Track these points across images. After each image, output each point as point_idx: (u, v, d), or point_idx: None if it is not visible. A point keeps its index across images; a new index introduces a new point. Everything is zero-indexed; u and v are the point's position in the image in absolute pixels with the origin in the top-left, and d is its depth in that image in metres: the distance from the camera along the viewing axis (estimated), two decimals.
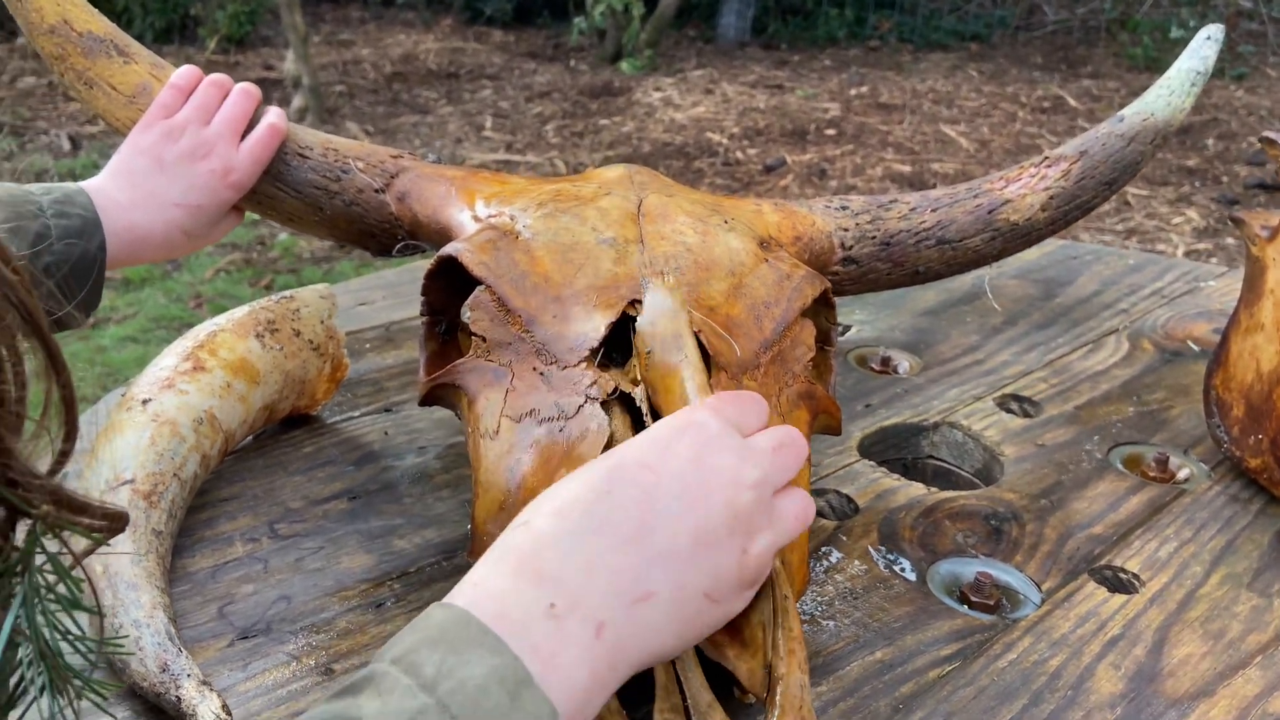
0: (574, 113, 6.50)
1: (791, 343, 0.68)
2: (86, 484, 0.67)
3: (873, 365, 1.07)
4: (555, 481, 0.54)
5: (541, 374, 0.62)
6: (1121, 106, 1.02)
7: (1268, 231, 0.86)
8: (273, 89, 6.62)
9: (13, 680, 0.37)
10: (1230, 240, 4.10)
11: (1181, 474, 0.89)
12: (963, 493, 0.85)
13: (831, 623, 0.69)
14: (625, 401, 0.60)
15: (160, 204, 0.79)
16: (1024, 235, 0.93)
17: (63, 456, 0.38)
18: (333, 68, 7.22)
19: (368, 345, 1.06)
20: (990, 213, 0.91)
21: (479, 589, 0.43)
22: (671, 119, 6.44)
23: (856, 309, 1.20)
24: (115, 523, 0.41)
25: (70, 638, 0.37)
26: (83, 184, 0.79)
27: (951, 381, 1.04)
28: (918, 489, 0.85)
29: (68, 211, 0.75)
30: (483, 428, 0.61)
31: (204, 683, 0.54)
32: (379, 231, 0.83)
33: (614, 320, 0.63)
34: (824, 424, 0.73)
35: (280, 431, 0.88)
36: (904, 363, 1.08)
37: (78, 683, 0.38)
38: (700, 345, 0.62)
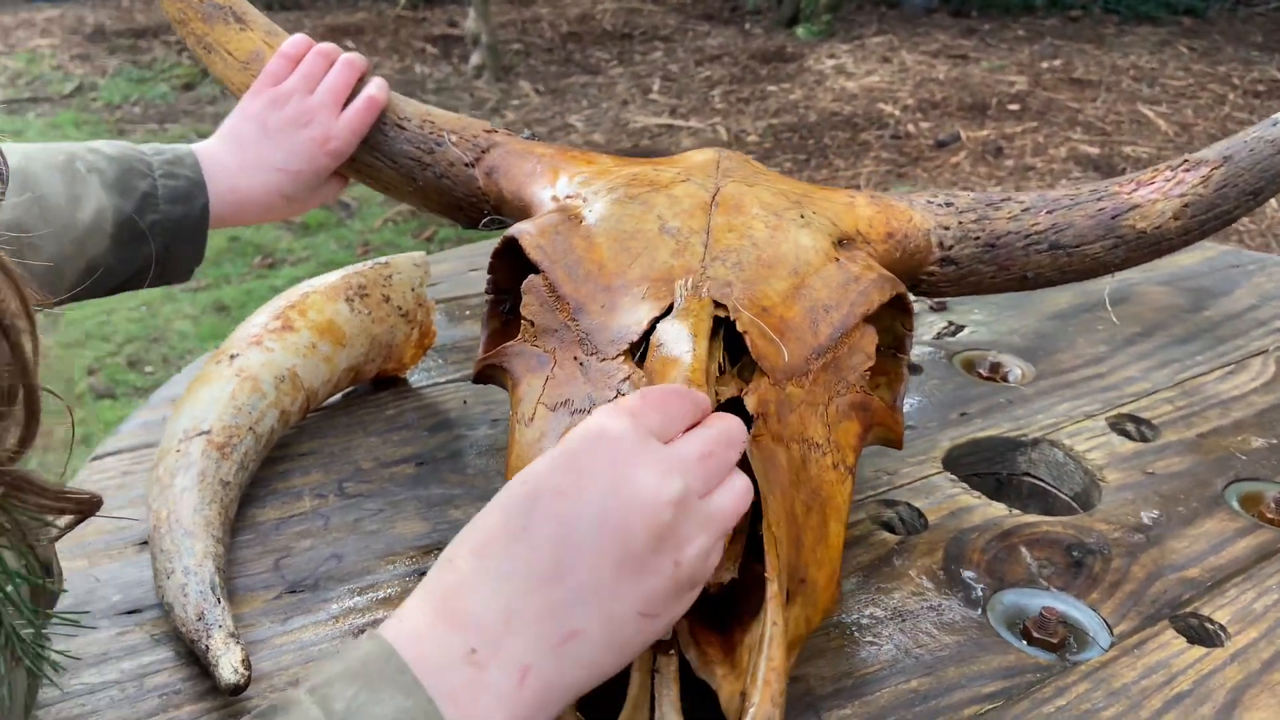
0: (742, 78, 6.42)
1: (849, 350, 0.65)
2: (168, 431, 0.71)
3: (980, 371, 1.02)
4: None
5: (581, 364, 0.61)
6: None
7: None
8: (454, 45, 6.82)
9: None
10: None
11: None
12: (1048, 518, 0.80)
13: (872, 644, 0.66)
14: None
15: (263, 168, 0.82)
16: (1152, 244, 0.86)
17: (22, 444, 0.40)
18: (512, 26, 7.37)
19: (468, 312, 1.08)
20: (1114, 218, 0.84)
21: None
22: (842, 88, 6.27)
23: (976, 308, 1.14)
24: (83, 507, 0.42)
25: (24, 614, 0.39)
26: (194, 146, 0.83)
27: (1064, 395, 0.98)
28: (998, 509, 0.80)
29: (176, 173, 0.79)
30: (520, 413, 0.62)
31: (232, 635, 0.57)
32: (466, 205, 0.84)
33: (658, 315, 0.61)
34: (881, 436, 0.70)
35: (368, 392, 0.91)
36: (1016, 370, 1.02)
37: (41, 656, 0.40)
38: (744, 347, 0.60)
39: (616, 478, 0.43)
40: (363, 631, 0.64)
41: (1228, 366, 1.04)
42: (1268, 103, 5.69)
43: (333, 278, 0.85)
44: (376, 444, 0.83)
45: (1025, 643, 0.68)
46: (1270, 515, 0.82)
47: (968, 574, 0.73)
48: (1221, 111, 5.68)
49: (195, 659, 0.59)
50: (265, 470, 0.78)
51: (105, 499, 0.71)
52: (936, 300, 1.14)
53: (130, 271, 0.79)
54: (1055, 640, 0.68)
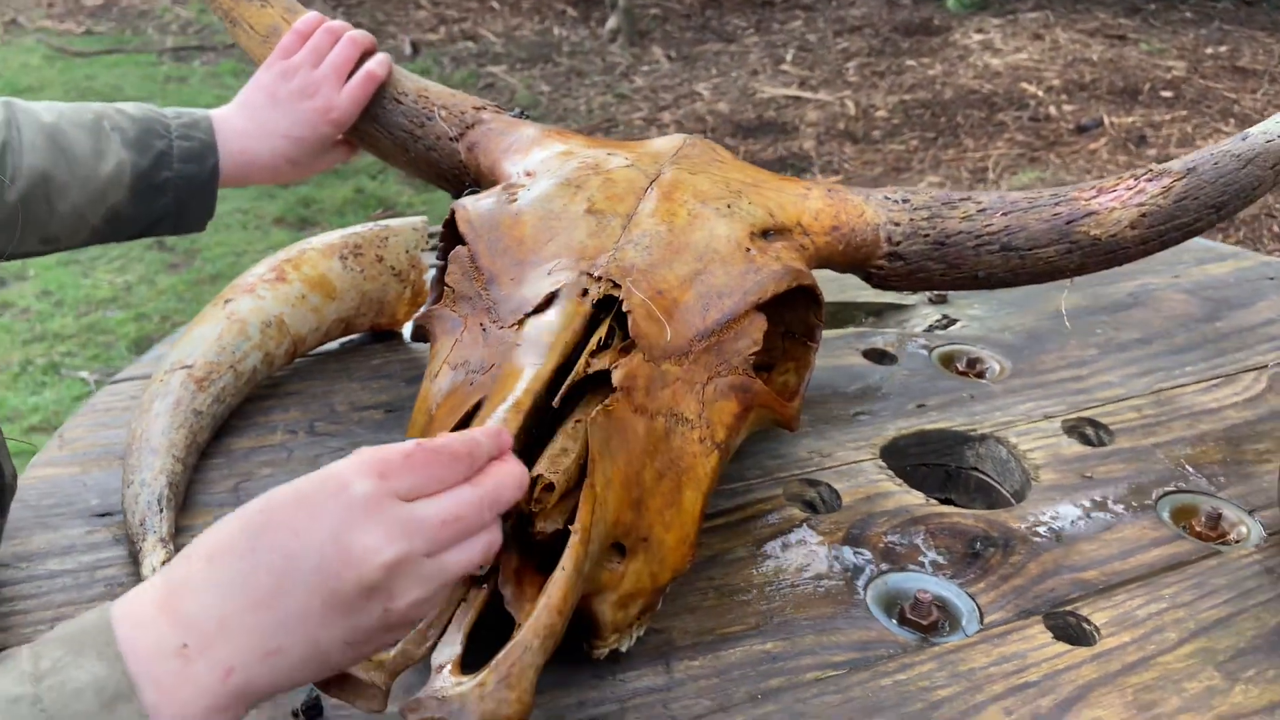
0: (881, 50, 6.28)
1: (735, 335, 0.70)
2: (161, 364, 0.82)
3: (957, 366, 1.04)
4: (453, 423, 0.61)
5: (484, 330, 0.68)
6: None
7: None
8: (593, 8, 6.90)
9: None
10: None
11: (1234, 534, 0.82)
12: (960, 510, 0.83)
13: (744, 605, 0.71)
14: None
15: (270, 134, 0.92)
16: (1108, 252, 0.87)
17: None
18: None
19: None
20: (1069, 224, 0.86)
21: (129, 606, 0.46)
22: (986, 65, 6.07)
23: (977, 303, 1.16)
24: None
25: None
26: (210, 112, 0.93)
27: (1032, 394, 0.99)
28: (914, 498, 0.84)
29: (191, 135, 0.90)
30: (431, 369, 0.69)
31: (163, 540, 0.67)
32: (450, 176, 0.91)
33: (555, 290, 0.68)
34: (767, 418, 0.74)
35: (364, 342, 1.00)
36: (994, 367, 1.04)
37: None
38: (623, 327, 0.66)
39: (339, 531, 0.46)
40: None
41: (1216, 379, 1.03)
42: None
43: (332, 237, 0.95)
44: (355, 389, 0.93)
45: (896, 623, 0.72)
46: (1199, 529, 0.82)
47: (862, 554, 0.77)
48: None
49: (135, 558, 0.70)
50: (249, 405, 0.88)
51: (114, 418, 0.82)
52: (935, 293, 1.16)
53: (148, 220, 0.91)
54: (925, 623, 0.71)
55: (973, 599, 0.74)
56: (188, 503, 0.76)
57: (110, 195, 0.87)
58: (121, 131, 0.88)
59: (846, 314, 1.14)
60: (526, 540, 0.58)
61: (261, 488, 0.78)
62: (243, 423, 0.87)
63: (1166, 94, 5.68)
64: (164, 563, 0.66)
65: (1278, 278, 1.24)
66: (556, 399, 0.61)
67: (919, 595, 0.72)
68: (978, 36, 6.64)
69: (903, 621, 0.72)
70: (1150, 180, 0.86)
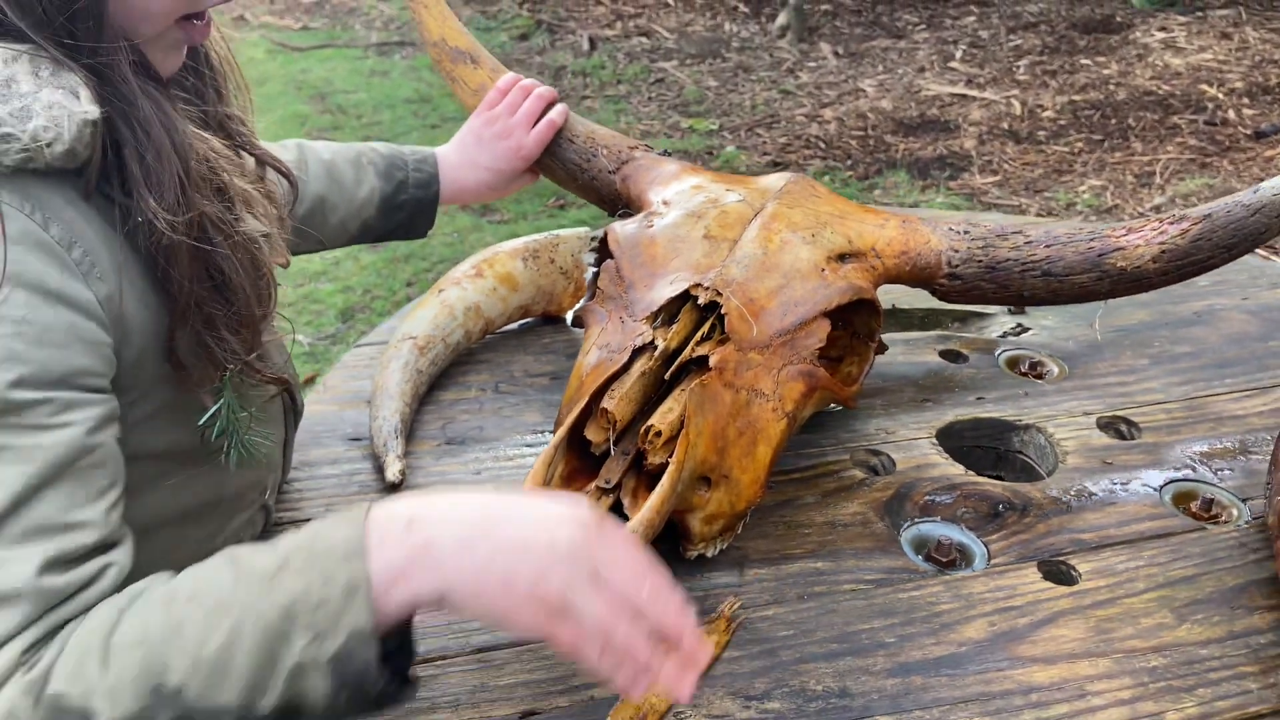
0: (1056, 48, 6.21)
1: (806, 334, 0.94)
2: (394, 334, 1.13)
3: (1020, 368, 1.24)
4: (588, 386, 0.88)
5: (622, 321, 0.94)
6: None
7: None
8: (764, 3, 7.06)
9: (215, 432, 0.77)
10: None
11: (1224, 517, 1.00)
12: (993, 481, 1.04)
13: (805, 535, 0.96)
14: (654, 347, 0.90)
15: (475, 167, 1.21)
16: (1133, 280, 1.06)
17: (261, 319, 0.77)
18: None
19: None
20: (1100, 256, 1.05)
21: (387, 502, 0.62)
22: (1165, 65, 5.92)
23: (1051, 314, 1.35)
24: (280, 385, 0.81)
25: (238, 417, 0.78)
26: (436, 150, 1.23)
27: (1078, 395, 1.18)
28: (956, 469, 1.06)
29: (421, 168, 1.20)
30: (584, 348, 0.96)
31: (399, 457, 0.97)
32: (608, 200, 1.18)
33: (675, 294, 0.93)
34: (829, 398, 0.98)
35: (537, 323, 1.29)
36: (1053, 370, 1.24)
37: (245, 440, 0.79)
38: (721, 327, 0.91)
39: (543, 573, 0.60)
40: (480, 473, 1.02)
41: (1251, 390, 1.19)
42: None
43: (517, 243, 1.23)
44: (529, 360, 1.21)
45: (922, 559, 0.95)
46: (1194, 510, 1.01)
47: (904, 508, 1.00)
48: None
49: (380, 469, 1.00)
50: (452, 367, 1.18)
51: (358, 373, 1.13)
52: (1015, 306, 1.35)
53: (387, 230, 1.21)
54: (945, 560, 0.94)
55: (985, 546, 0.96)
56: (410, 434, 1.07)
57: (364, 212, 1.18)
58: (375, 165, 1.19)
59: (935, 319, 1.35)
60: (641, 469, 0.85)
61: (460, 427, 1.08)
62: (448, 381, 1.17)
63: None
64: (401, 470, 0.96)
65: None
66: (668, 373, 0.87)
67: (942, 539, 0.95)
68: (1160, 35, 6.46)
69: (928, 559, 0.95)
70: (1172, 224, 1.05)
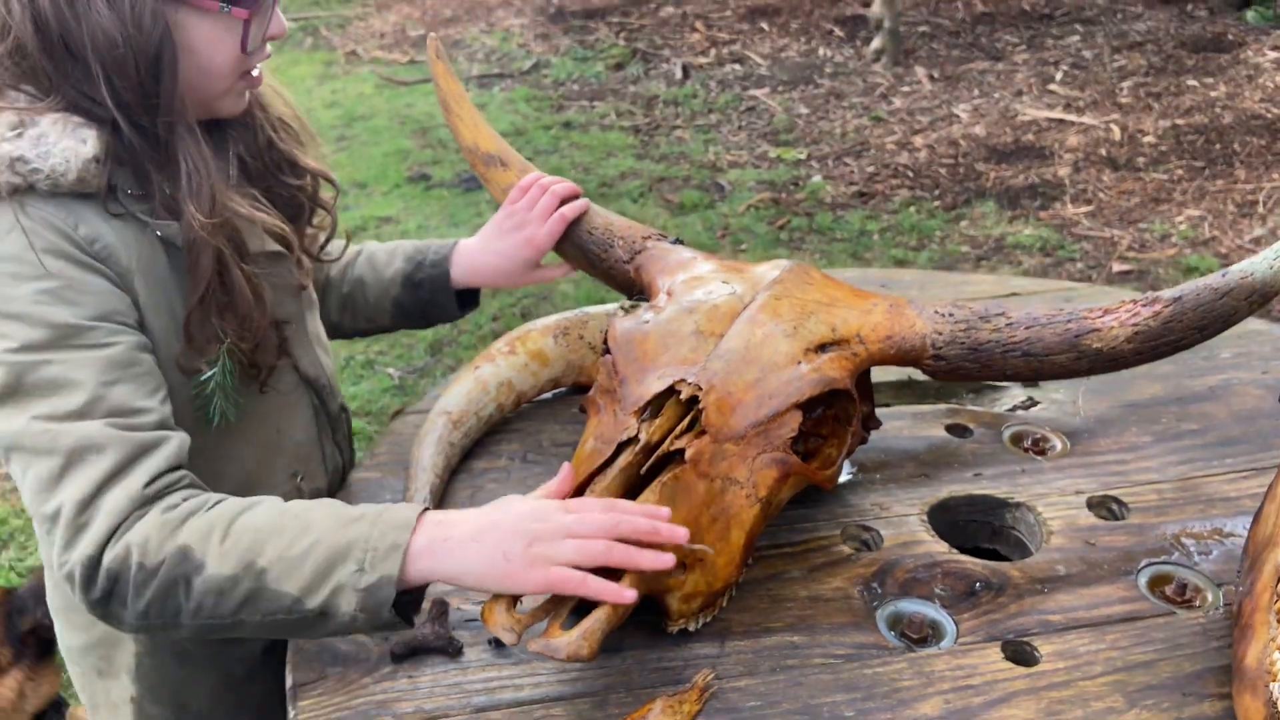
0: (1163, 69, 6.05)
1: (779, 424, 1.02)
2: (434, 407, 1.25)
3: (1024, 445, 1.30)
4: (586, 475, 0.98)
5: (615, 415, 1.04)
6: None
7: None
8: (860, 27, 7.05)
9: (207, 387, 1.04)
10: None
11: (1198, 600, 1.05)
12: (972, 559, 1.11)
13: (788, 609, 1.04)
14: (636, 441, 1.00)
15: (490, 252, 1.34)
16: (1110, 360, 1.12)
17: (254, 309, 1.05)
18: (924, 5, 7.42)
19: None
20: (1077, 337, 1.11)
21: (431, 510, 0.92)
22: (1276, 86, 5.72)
23: (1061, 388, 1.39)
24: (268, 365, 1.09)
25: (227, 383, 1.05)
26: (462, 239, 1.37)
27: (1074, 473, 1.24)
28: (940, 547, 1.12)
29: (439, 251, 1.36)
30: (584, 438, 1.07)
31: None
32: (624, 286, 1.29)
33: (660, 390, 1.03)
34: (803, 483, 1.06)
35: (568, 393, 1.40)
36: (1056, 446, 1.29)
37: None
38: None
39: (528, 527, 0.90)
40: None
41: (1248, 472, 1.22)
42: None
43: (549, 321, 1.35)
44: (557, 430, 1.33)
45: (895, 635, 1.02)
46: (1169, 594, 1.06)
47: (886, 585, 1.08)
48: None
49: None
50: (486, 436, 1.31)
51: (401, 441, 1.26)
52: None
53: (415, 305, 1.36)
54: (916, 637, 1.02)
55: (957, 624, 1.03)
56: (441, 502, 1.19)
57: (391, 289, 1.36)
58: (403, 251, 1.36)
59: (950, 389, 1.42)
60: None
61: (487, 496, 1.20)
62: (480, 450, 1.29)
63: None
64: None
65: None
66: (646, 466, 0.97)
67: (914, 616, 1.02)
68: (1273, 54, 6.23)
69: (901, 635, 1.02)
70: (1145, 305, 1.10)
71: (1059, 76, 6.24)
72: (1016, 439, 1.31)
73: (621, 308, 1.15)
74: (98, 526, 0.89)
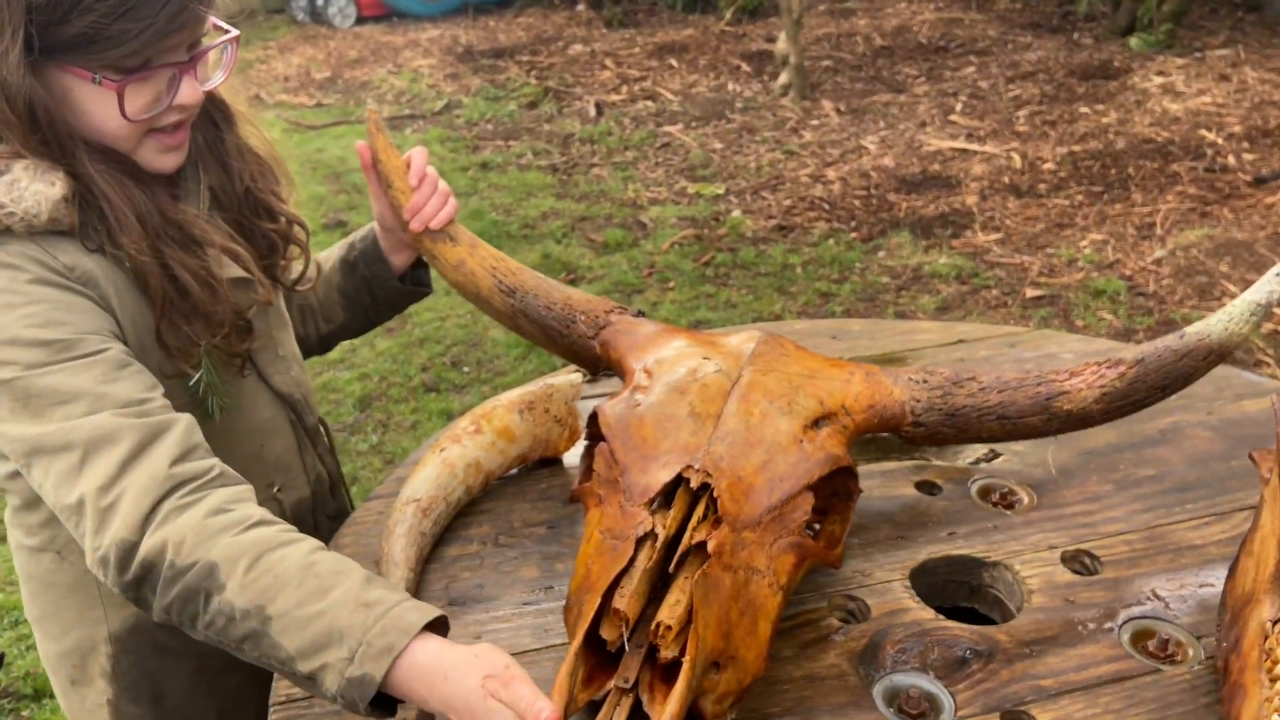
0: (1055, 97, 6.30)
1: (793, 508, 1.01)
2: (400, 495, 1.21)
3: (992, 499, 1.31)
4: (601, 581, 0.95)
5: (621, 506, 1.01)
6: None
7: (1269, 474, 0.99)
8: (767, 62, 7.19)
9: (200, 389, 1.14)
10: None
11: (1180, 655, 1.06)
12: (960, 625, 1.11)
13: (783, 693, 1.03)
14: (655, 536, 0.97)
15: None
16: (1079, 419, 1.14)
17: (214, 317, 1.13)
18: (826, 40, 7.61)
19: None
20: (1047, 400, 1.13)
21: (425, 638, 0.91)
22: (1164, 110, 6.00)
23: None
24: (240, 354, 1.18)
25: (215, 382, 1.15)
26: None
27: (1044, 526, 1.25)
28: (927, 614, 1.12)
29: (365, 233, 1.40)
30: (586, 533, 1.03)
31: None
32: (589, 362, 1.26)
33: (669, 479, 1.00)
34: (817, 564, 1.05)
35: (535, 468, 1.37)
36: (1023, 499, 1.30)
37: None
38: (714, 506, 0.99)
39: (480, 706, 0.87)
40: (480, 636, 1.10)
41: (1209, 518, 1.25)
42: None
43: (513, 395, 1.32)
44: (527, 509, 1.29)
45: (894, 711, 1.02)
46: (1152, 650, 1.07)
47: (878, 657, 1.07)
48: None
49: None
50: (457, 520, 1.26)
51: (367, 529, 1.21)
52: None
53: (356, 289, 1.40)
54: (914, 713, 1.01)
55: (953, 696, 1.03)
56: (417, 595, 1.15)
57: (333, 279, 1.40)
58: (341, 243, 1.41)
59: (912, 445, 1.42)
60: (654, 661, 0.92)
61: (463, 586, 1.16)
62: (449, 535, 1.25)
63: None
64: None
65: None
66: (672, 566, 0.95)
67: (910, 691, 1.02)
68: (1158, 79, 6.53)
69: (899, 711, 1.01)
70: (1110, 367, 1.12)
71: (959, 107, 6.45)
72: (984, 493, 1.32)
73: (584, 379, 1.13)
74: (126, 508, 0.94)
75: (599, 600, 0.91)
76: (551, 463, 1.38)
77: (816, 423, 1.09)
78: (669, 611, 0.91)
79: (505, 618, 1.13)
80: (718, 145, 5.95)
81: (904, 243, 4.60)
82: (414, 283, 1.46)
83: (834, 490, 1.12)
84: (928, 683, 1.04)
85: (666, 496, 1.00)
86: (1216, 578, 1.16)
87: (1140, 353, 1.13)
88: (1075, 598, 1.14)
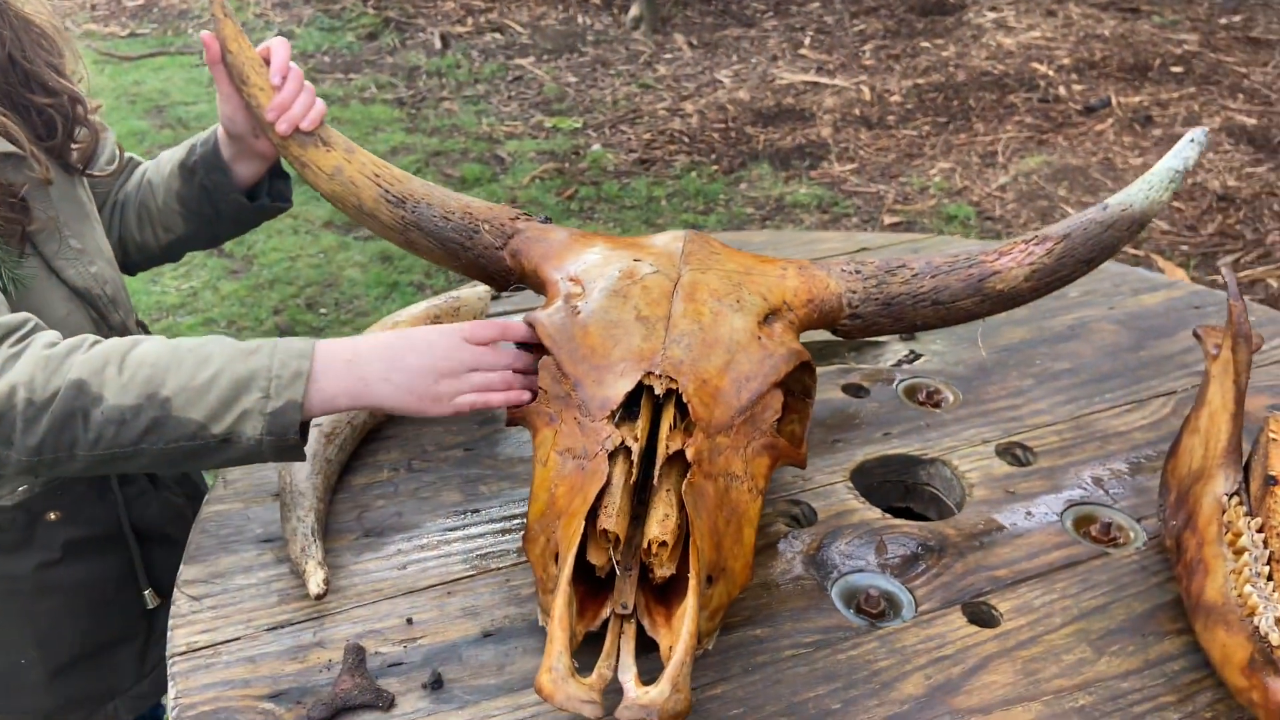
0: (897, 32, 6.41)
1: (762, 408, 0.94)
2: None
3: (919, 398, 1.28)
4: (575, 503, 0.86)
5: (579, 422, 0.92)
6: None
7: (1216, 349, 0.99)
8: None
9: None
10: None
11: (1123, 538, 1.06)
12: (909, 522, 1.08)
13: (739, 602, 0.97)
14: (627, 450, 0.88)
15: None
16: (1009, 299, 1.11)
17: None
18: None
19: None
20: (980, 282, 1.10)
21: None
22: (998, 44, 6.19)
23: (939, 339, 1.40)
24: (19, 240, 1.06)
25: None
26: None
27: (974, 422, 1.23)
28: (874, 513, 1.09)
29: (206, 136, 1.24)
30: (539, 456, 0.93)
31: (320, 563, 0.94)
32: (497, 276, 1.15)
33: (630, 389, 0.91)
34: (787, 463, 0.99)
35: None
36: (948, 397, 1.28)
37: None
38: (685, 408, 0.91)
39: (442, 355, 0.96)
40: (405, 567, 0.99)
41: (1129, 405, 1.26)
42: None
43: (417, 309, 1.20)
44: (440, 432, 1.18)
45: (853, 612, 0.97)
46: (1095, 534, 1.07)
47: (833, 557, 1.03)
48: None
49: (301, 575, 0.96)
50: (360, 447, 1.14)
51: (261, 465, 1.08)
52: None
53: (199, 200, 1.24)
54: (875, 611, 0.97)
55: (911, 593, 0.99)
56: (326, 529, 1.03)
57: (172, 184, 1.25)
58: (182, 145, 1.25)
59: (831, 350, 1.38)
60: (646, 582, 0.84)
61: (378, 516, 1.05)
62: (357, 463, 1.13)
63: (1176, 69, 5.80)
64: (324, 579, 0.92)
65: (1203, 307, 1.47)
66: (655, 478, 0.86)
67: (869, 590, 0.98)
68: (992, 15, 6.74)
69: (858, 611, 0.97)
70: (1037, 244, 1.10)
71: (807, 41, 6.49)
72: (910, 393, 1.29)
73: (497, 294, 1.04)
74: None
75: (582, 524, 0.82)
76: None
77: (767, 319, 1.03)
78: (660, 527, 0.83)
79: (431, 545, 1.03)
80: (572, 79, 5.80)
81: (764, 174, 4.61)
82: (272, 196, 1.29)
83: (789, 388, 1.06)
84: (885, 581, 1.00)
85: (627, 408, 0.92)
86: (1147, 462, 1.17)
87: (1066, 228, 1.11)
88: (1015, 488, 1.13)
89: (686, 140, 4.90)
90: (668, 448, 0.88)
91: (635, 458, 0.87)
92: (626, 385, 0.92)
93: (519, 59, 5.99)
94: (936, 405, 1.27)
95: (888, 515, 1.09)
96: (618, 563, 0.83)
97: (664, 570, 0.82)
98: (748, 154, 4.76)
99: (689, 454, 0.88)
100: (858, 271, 1.12)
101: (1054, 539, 1.06)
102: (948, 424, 1.23)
